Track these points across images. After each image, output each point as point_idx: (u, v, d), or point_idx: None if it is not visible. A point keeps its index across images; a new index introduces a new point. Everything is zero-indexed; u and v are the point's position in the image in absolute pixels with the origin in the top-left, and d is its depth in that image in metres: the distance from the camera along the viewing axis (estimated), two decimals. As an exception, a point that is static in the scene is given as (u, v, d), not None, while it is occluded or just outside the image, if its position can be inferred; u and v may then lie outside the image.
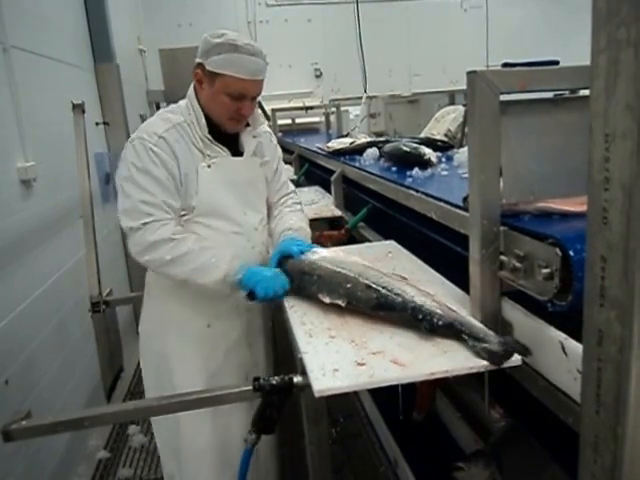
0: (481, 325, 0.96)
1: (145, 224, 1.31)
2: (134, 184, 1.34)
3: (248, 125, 1.52)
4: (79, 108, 2.29)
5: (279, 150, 1.68)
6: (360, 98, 5.24)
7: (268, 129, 1.65)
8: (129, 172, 1.35)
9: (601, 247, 0.56)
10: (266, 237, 1.61)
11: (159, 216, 1.33)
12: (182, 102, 1.49)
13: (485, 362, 0.89)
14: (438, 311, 1.02)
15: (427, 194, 1.34)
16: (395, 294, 1.08)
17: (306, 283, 1.24)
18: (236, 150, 1.50)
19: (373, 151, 2.20)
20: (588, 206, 0.57)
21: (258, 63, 1.37)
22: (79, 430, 2.11)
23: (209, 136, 1.43)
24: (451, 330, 0.98)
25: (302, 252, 1.34)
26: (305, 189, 2.90)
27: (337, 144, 2.58)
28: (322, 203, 2.46)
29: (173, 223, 1.36)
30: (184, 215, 1.41)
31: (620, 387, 0.56)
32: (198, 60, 1.39)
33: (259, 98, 1.48)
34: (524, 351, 0.89)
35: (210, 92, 1.39)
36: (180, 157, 1.38)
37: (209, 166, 1.42)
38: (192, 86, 1.46)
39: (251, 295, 1.30)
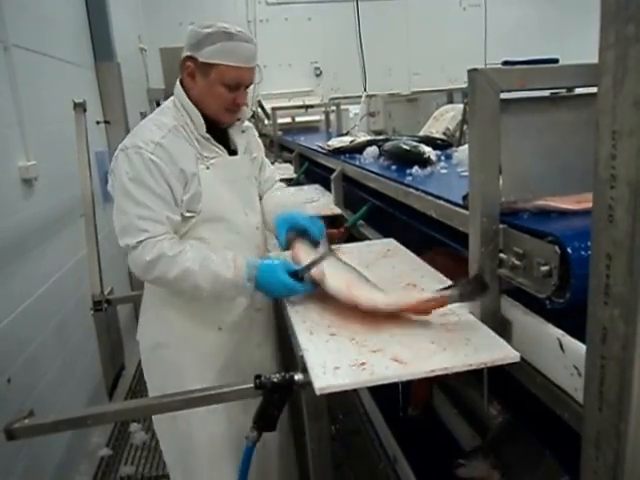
0: None
1: (140, 242, 1.26)
2: (129, 198, 1.27)
3: (238, 119, 1.49)
4: (80, 107, 2.29)
5: (261, 143, 1.67)
6: (360, 97, 5.25)
7: (250, 123, 1.62)
8: (123, 185, 1.27)
9: (606, 245, 0.56)
10: (265, 236, 1.60)
11: (154, 231, 1.26)
12: (167, 103, 1.44)
13: (484, 359, 0.90)
14: None
15: (427, 192, 1.34)
16: None
17: None
18: (228, 148, 1.47)
19: (373, 149, 2.21)
20: (594, 203, 0.57)
21: (252, 49, 1.34)
22: (81, 428, 2.11)
23: (207, 135, 1.39)
24: None
25: (305, 223, 1.37)
26: (305, 187, 2.90)
27: (337, 143, 2.59)
28: (322, 201, 2.47)
29: (168, 237, 1.29)
30: (191, 218, 1.36)
31: (623, 384, 0.57)
32: (187, 54, 1.35)
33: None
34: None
35: (205, 84, 1.35)
36: (181, 162, 1.32)
37: (207, 168, 1.37)
38: (178, 84, 1.42)
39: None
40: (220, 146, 1.43)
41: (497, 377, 1.00)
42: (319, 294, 1.28)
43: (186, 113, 1.38)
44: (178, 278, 1.27)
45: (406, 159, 1.85)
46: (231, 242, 1.41)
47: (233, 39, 1.31)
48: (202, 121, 1.37)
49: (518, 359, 0.90)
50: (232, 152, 1.48)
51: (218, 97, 1.36)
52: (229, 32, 1.30)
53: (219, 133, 1.44)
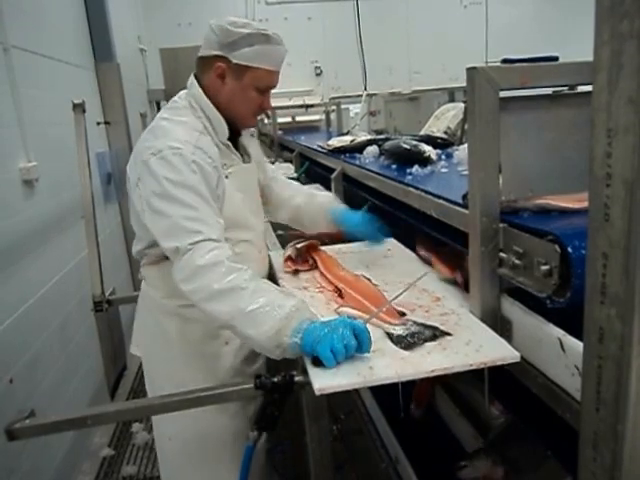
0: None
1: (194, 244, 1.08)
2: (171, 201, 1.12)
3: None
4: (80, 107, 2.29)
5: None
6: (360, 96, 5.24)
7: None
8: (164, 190, 1.12)
9: (602, 244, 0.55)
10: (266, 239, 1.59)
11: (208, 234, 1.11)
12: (179, 101, 1.32)
13: (484, 359, 0.90)
14: None
15: (427, 191, 1.34)
16: None
17: None
18: (239, 154, 1.42)
19: (373, 149, 2.20)
20: (589, 202, 0.57)
21: (284, 53, 1.29)
22: (82, 429, 2.12)
23: (227, 142, 1.31)
24: None
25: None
26: (305, 187, 2.89)
27: (337, 142, 2.58)
28: (322, 201, 2.46)
29: (227, 246, 1.13)
30: None
31: (620, 384, 0.56)
32: (218, 53, 1.24)
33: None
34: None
35: (237, 87, 1.26)
36: (217, 166, 1.23)
37: (227, 177, 1.28)
38: (194, 84, 1.30)
39: (317, 361, 0.93)
40: (237, 153, 1.37)
41: (499, 377, 0.99)
42: (319, 294, 1.28)
43: (205, 116, 1.28)
44: (223, 294, 1.05)
45: (406, 158, 1.84)
46: (242, 249, 1.36)
47: (270, 42, 1.24)
48: (225, 127, 1.29)
49: (518, 359, 0.89)
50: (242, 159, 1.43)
51: (249, 101, 1.29)
52: (267, 34, 1.24)
53: (233, 139, 1.37)
